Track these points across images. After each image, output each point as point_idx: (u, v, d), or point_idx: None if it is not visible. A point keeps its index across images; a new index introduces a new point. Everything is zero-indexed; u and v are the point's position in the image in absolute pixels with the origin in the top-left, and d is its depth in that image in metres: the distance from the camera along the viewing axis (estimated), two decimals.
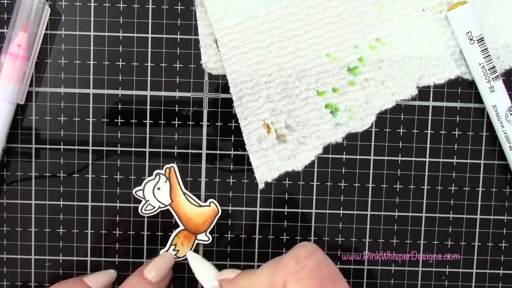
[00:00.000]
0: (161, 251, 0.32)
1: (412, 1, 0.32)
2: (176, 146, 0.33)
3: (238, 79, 0.32)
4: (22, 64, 0.31)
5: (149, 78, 0.33)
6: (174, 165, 0.32)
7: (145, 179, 0.33)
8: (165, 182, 0.32)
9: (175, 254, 0.32)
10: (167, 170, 0.32)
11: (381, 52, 0.33)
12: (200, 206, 0.32)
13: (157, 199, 0.32)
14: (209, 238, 0.33)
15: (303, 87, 0.32)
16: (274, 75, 0.32)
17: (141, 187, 0.32)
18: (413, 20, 0.32)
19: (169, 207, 0.32)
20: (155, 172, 0.32)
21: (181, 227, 0.33)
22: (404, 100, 0.33)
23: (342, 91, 0.33)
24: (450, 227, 0.34)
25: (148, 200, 0.32)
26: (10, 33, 0.31)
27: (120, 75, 0.33)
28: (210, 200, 0.33)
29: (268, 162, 0.33)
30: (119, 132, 0.33)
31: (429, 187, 0.34)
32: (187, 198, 0.33)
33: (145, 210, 0.32)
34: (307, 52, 0.32)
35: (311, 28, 0.32)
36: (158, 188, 0.32)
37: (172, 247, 0.33)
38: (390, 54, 0.33)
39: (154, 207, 0.32)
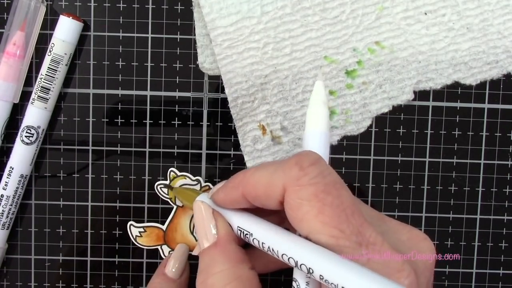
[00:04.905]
0: (177, 245, 0.32)
1: (414, 4, 0.32)
2: (176, 146, 0.33)
3: (233, 80, 0.32)
4: (18, 63, 0.31)
5: (149, 78, 0.33)
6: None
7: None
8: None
9: (139, 233, 0.32)
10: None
11: (380, 55, 0.32)
12: (192, 235, 0.32)
13: None
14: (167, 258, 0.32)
15: (300, 89, 0.32)
16: (270, 76, 0.32)
17: (178, 173, 0.32)
18: (414, 23, 0.32)
19: (175, 207, 0.32)
20: (199, 177, 0.32)
21: (164, 228, 0.32)
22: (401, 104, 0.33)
23: (339, 94, 0.32)
24: (450, 227, 0.34)
25: (170, 187, 0.32)
26: (8, 33, 0.31)
27: (120, 75, 0.33)
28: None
29: None
30: (119, 132, 0.33)
31: (429, 187, 0.34)
32: (190, 225, 0.33)
33: (160, 188, 0.32)
34: (304, 54, 0.32)
35: (307, 30, 0.32)
36: None
37: (141, 229, 0.32)
38: (389, 58, 0.32)
39: (167, 195, 0.32)
